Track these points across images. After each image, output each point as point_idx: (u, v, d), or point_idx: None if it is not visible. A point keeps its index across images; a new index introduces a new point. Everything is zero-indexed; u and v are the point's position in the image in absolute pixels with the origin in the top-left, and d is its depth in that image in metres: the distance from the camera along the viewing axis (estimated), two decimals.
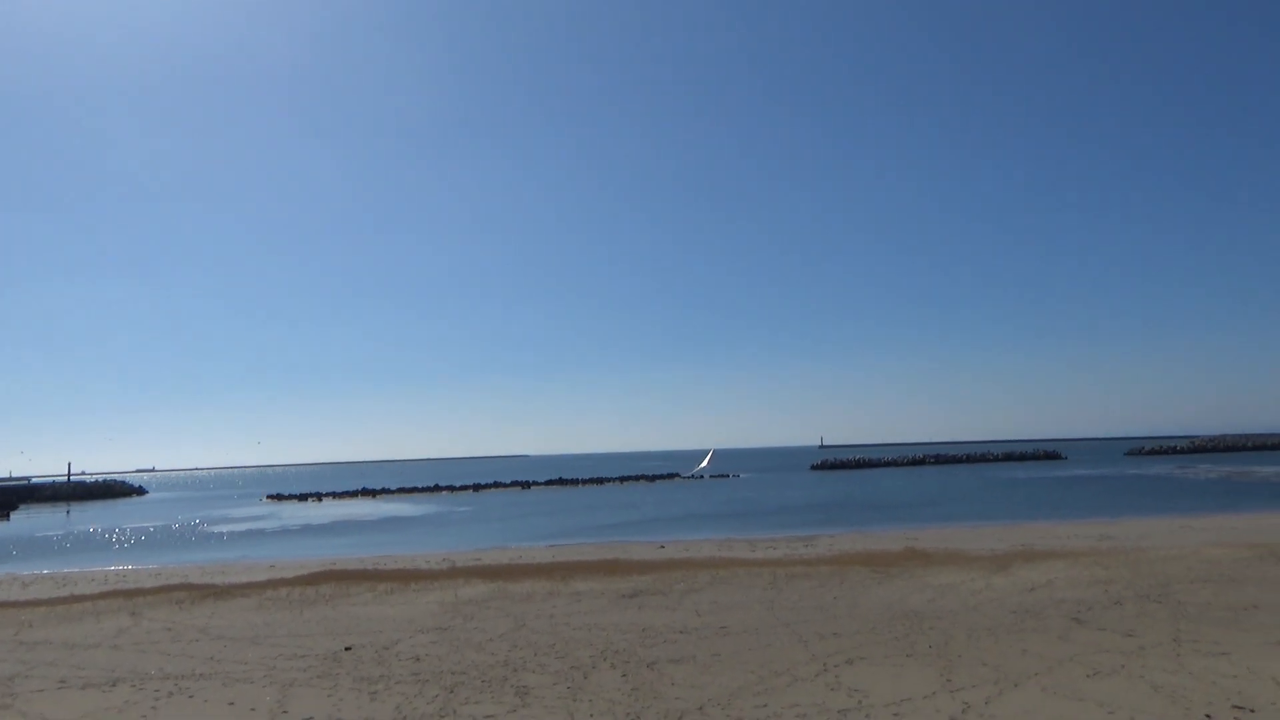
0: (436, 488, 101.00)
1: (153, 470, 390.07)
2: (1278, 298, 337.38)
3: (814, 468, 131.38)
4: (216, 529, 56.34)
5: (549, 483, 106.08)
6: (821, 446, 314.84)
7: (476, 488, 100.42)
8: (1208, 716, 9.74)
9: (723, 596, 19.31)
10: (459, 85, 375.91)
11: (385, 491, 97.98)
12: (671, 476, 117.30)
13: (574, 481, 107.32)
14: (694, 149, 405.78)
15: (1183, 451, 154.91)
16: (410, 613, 18.63)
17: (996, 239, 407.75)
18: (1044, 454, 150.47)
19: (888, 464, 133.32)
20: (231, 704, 11.60)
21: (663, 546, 32.65)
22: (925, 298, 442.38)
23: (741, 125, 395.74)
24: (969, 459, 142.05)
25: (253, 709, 11.31)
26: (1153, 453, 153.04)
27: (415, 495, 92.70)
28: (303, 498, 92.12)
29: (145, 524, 62.67)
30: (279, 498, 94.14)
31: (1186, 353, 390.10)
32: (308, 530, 53.24)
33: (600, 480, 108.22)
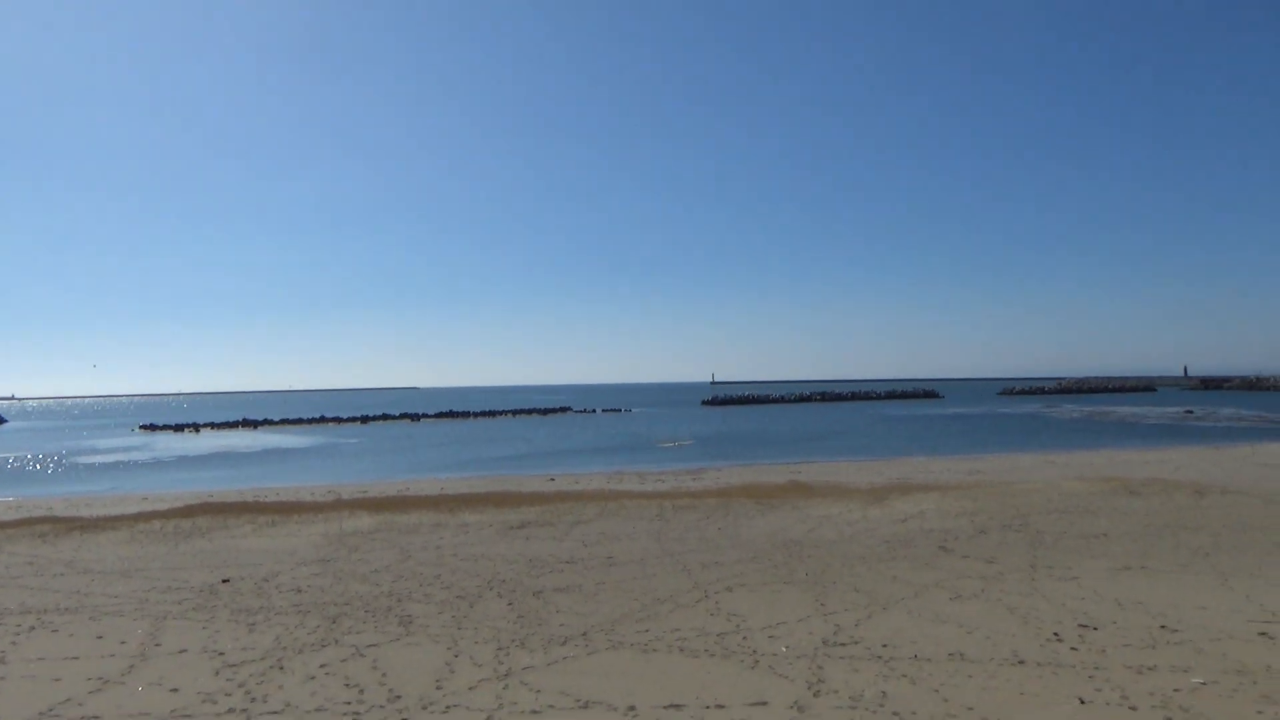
0: (322, 420, 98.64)
1: (11, 399, 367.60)
2: (1137, 254, 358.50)
3: (705, 404, 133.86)
4: (83, 460, 53.68)
5: (439, 415, 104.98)
6: (713, 383, 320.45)
7: (364, 420, 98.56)
8: (1055, 635, 10.46)
9: (611, 528, 19.57)
10: None
11: (267, 423, 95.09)
12: (564, 410, 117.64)
13: (465, 414, 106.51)
14: (583, 82, 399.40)
15: (1050, 392, 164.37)
16: (292, 545, 18.23)
17: (879, 187, 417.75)
18: (923, 393, 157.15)
19: (776, 401, 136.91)
20: (100, 638, 11.16)
21: (553, 479, 32.81)
22: (813, 241, 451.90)
23: (633, 61, 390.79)
24: (853, 397, 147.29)
25: (122, 642, 10.92)
26: (1023, 393, 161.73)
27: (300, 427, 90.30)
28: (179, 428, 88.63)
29: (1, 455, 59.20)
30: (153, 428, 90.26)
31: (1055, 301, 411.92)
32: (184, 462, 51.33)
33: (492, 414, 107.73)
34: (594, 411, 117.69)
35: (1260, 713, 7.61)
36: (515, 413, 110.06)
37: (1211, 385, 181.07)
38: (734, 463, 40.70)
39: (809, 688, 8.71)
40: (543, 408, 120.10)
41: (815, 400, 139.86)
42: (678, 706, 8.30)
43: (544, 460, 46.09)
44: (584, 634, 10.90)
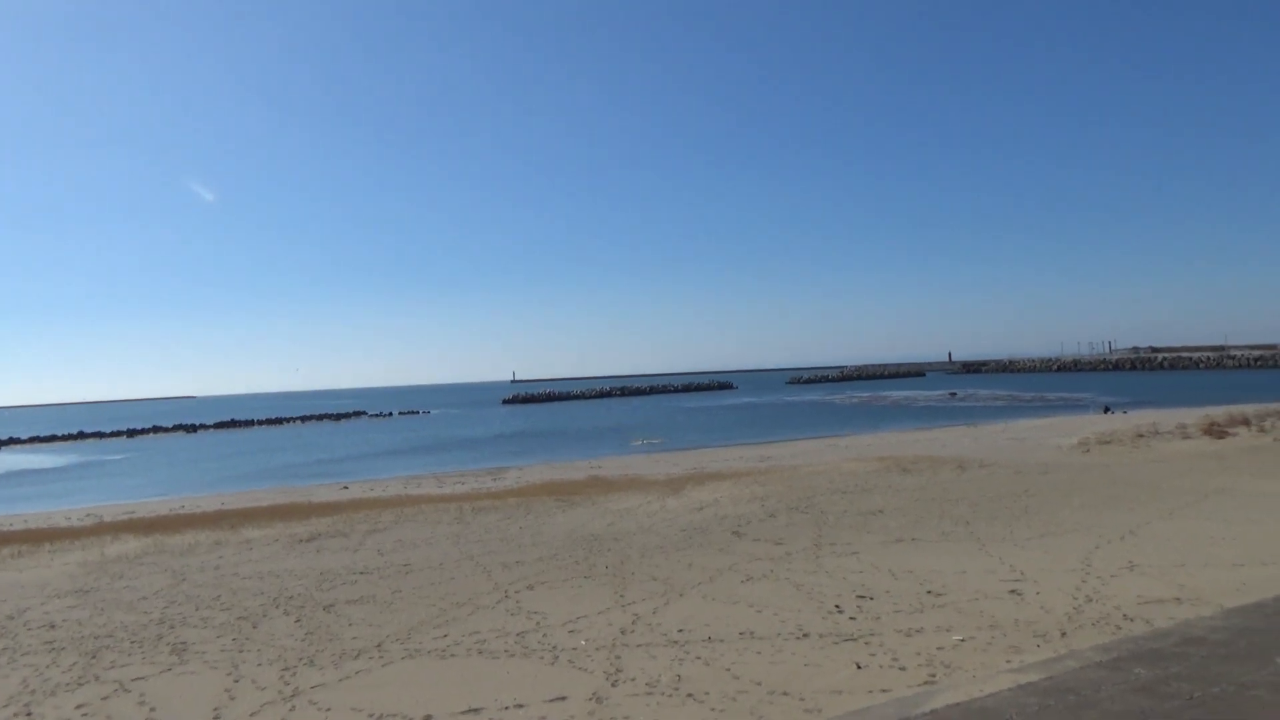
0: (81, 435, 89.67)
1: None
2: (907, 255, 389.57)
3: (506, 402, 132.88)
4: None
5: (219, 425, 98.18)
6: (514, 381, 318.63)
7: (131, 433, 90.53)
8: (837, 606, 11.11)
9: (408, 534, 18.98)
10: None
11: (14, 441, 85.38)
12: (357, 415, 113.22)
13: (248, 423, 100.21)
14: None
15: (834, 380, 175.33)
16: (43, 577, 16.41)
17: (670, 184, 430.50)
18: (718, 384, 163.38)
19: (577, 397, 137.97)
20: None
21: (346, 487, 31.46)
22: (608, 239, 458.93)
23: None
24: (652, 390, 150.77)
25: None
26: (809, 381, 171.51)
27: (54, 444, 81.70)
28: None
29: None
30: None
31: (838, 296, 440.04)
32: None
33: (279, 421, 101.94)
34: (390, 415, 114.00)
35: (1009, 661, 8.39)
36: (304, 419, 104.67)
37: (972, 369, 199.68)
38: (535, 461, 40.62)
39: (607, 678, 8.78)
40: (334, 413, 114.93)
41: (616, 395, 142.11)
42: (476, 710, 8.14)
43: (337, 468, 44.11)
44: (378, 645, 10.48)
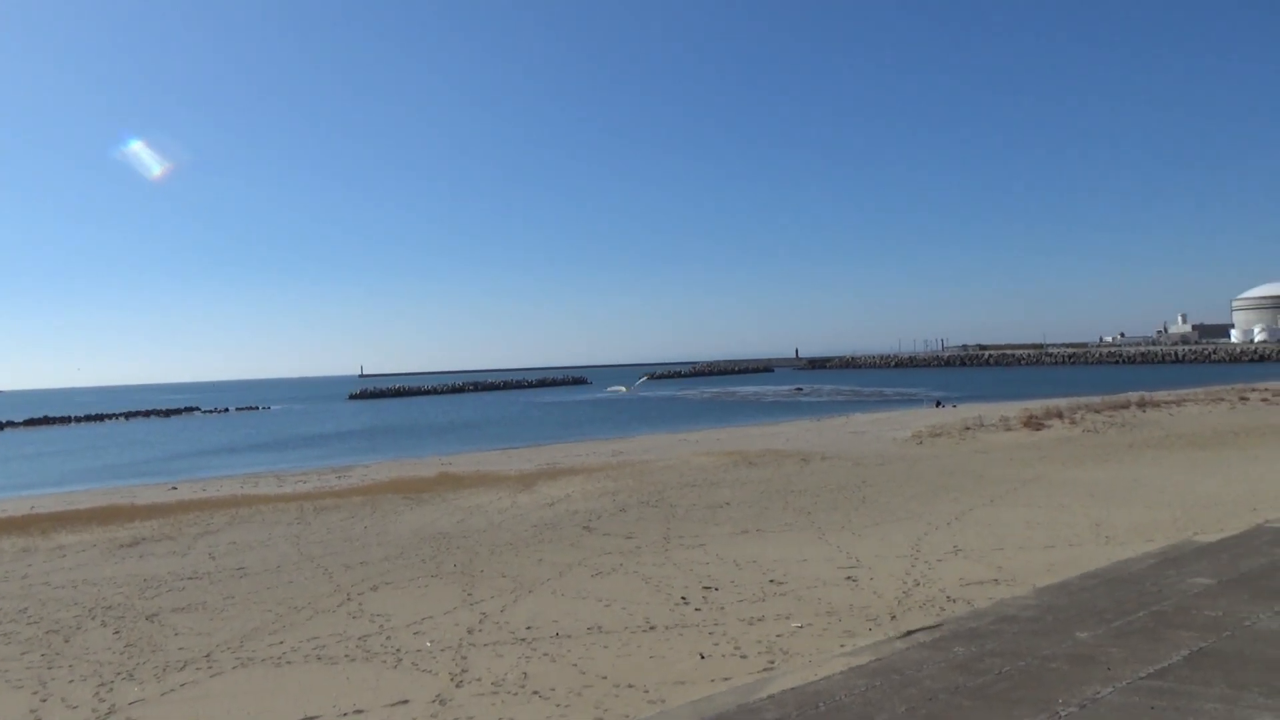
0: None
1: None
2: (754, 254, 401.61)
3: (353, 397, 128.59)
4: None
5: (30, 422, 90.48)
6: (361, 376, 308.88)
7: None
8: (683, 598, 11.31)
9: (243, 536, 18.05)
10: None
11: None
12: (190, 410, 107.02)
13: (65, 420, 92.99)
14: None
15: (686, 375, 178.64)
16: None
17: (516, 179, 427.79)
18: (573, 379, 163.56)
19: (428, 392, 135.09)
20: None
21: (175, 487, 29.63)
22: (457, 231, 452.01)
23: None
24: (506, 385, 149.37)
25: None
26: (663, 377, 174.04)
27: None
28: None
29: None
30: None
31: (691, 293, 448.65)
32: None
33: (100, 417, 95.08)
34: (226, 410, 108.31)
35: (842, 645, 8.77)
36: (129, 415, 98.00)
37: (818, 365, 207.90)
38: (383, 458, 39.47)
39: (452, 679, 8.62)
40: (164, 408, 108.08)
41: (469, 390, 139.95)
42: (312, 719, 7.82)
43: (165, 467, 41.49)
44: (207, 655, 9.92)
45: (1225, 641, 4.81)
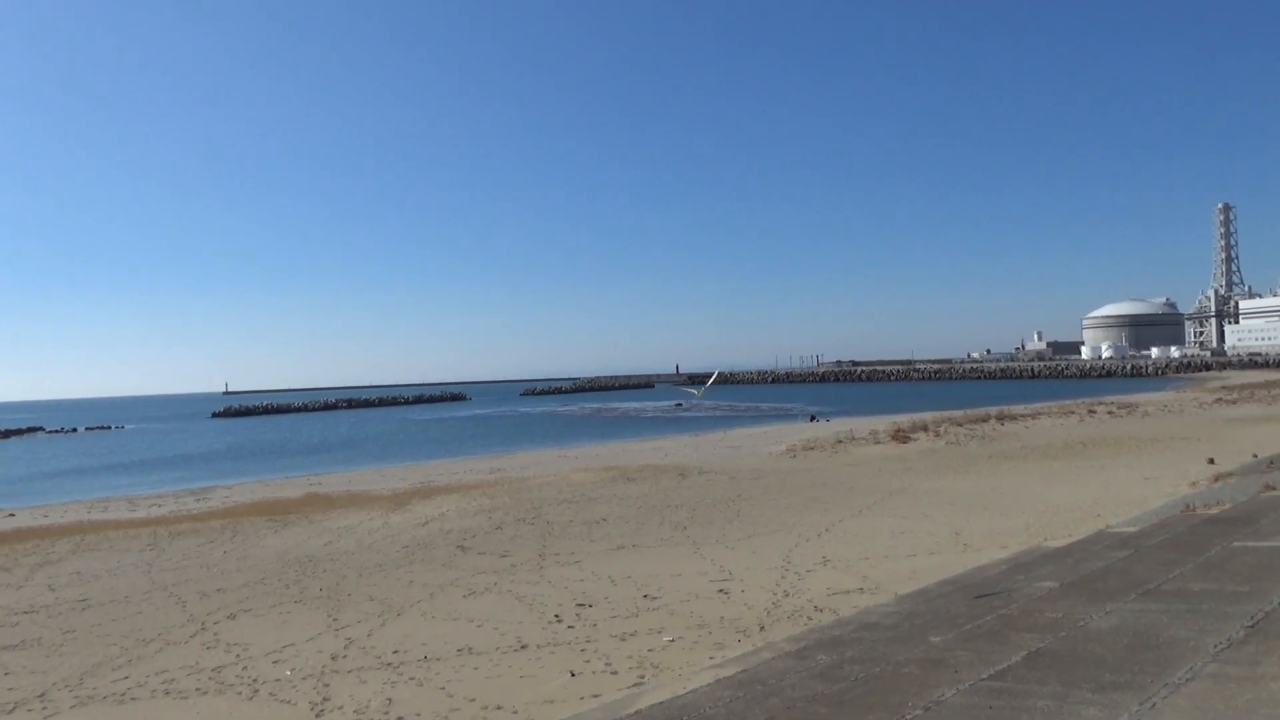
0: None
1: None
2: (641, 265, 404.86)
3: (216, 415, 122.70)
4: None
5: None
6: (226, 393, 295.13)
7: None
8: (556, 616, 11.20)
9: (88, 565, 16.89)
10: None
11: None
12: (33, 431, 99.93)
13: None
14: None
15: (567, 391, 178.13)
16: None
17: (393, 190, 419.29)
18: (451, 395, 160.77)
19: (299, 409, 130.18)
20: None
21: (12, 514, 27.52)
22: (332, 242, 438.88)
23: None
24: (381, 402, 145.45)
25: None
26: (544, 393, 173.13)
27: None
28: None
29: None
30: None
31: (570, 308, 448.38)
32: None
33: None
34: (74, 430, 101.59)
35: (712, 657, 8.83)
36: None
37: (697, 380, 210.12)
38: (247, 479, 37.70)
39: (313, 709, 8.26)
40: (2, 429, 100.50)
41: (342, 407, 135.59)
42: None
43: (2, 492, 38.50)
44: (41, 695, 9.20)
45: (1061, 642, 5.07)
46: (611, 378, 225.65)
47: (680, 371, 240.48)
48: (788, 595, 11.71)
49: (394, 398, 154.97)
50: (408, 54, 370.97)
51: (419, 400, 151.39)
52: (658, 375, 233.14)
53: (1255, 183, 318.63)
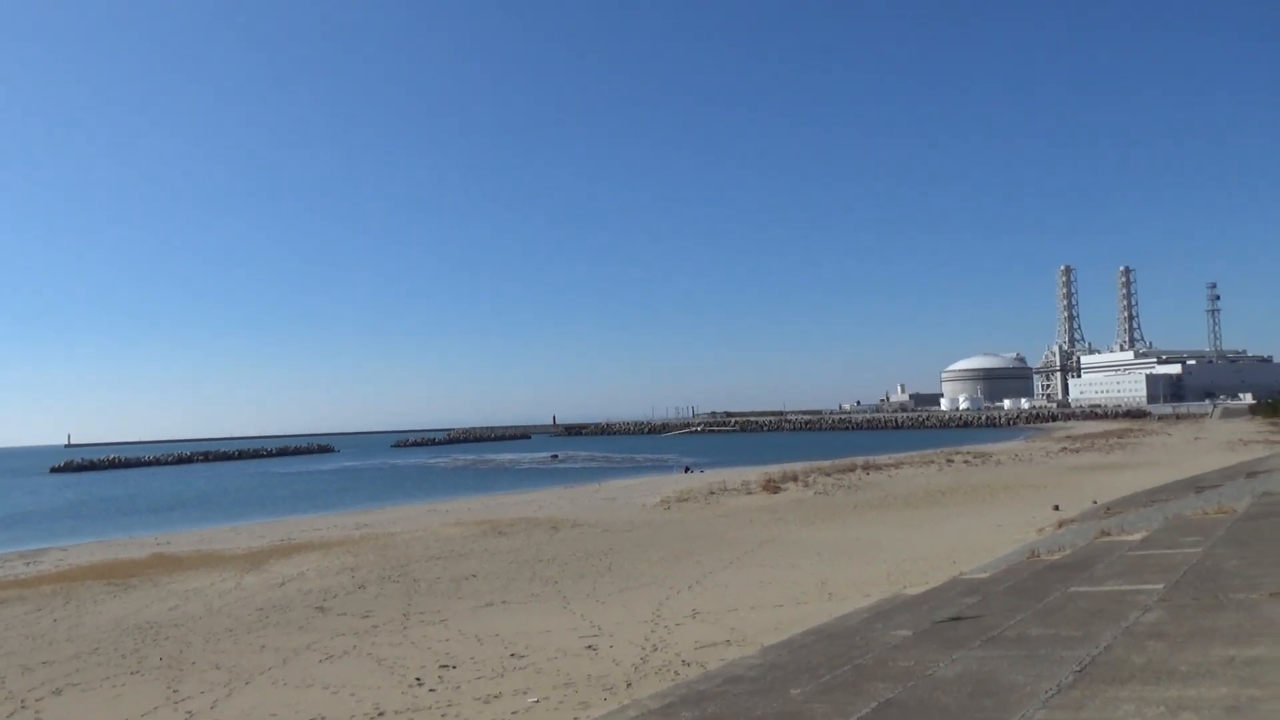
0: None
1: None
2: (519, 315, 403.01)
3: (55, 470, 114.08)
4: None
5: None
6: (68, 445, 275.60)
7: None
8: (418, 679, 10.77)
9: None
10: None
11: None
12: None
13: None
14: None
15: (440, 442, 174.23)
16: None
17: (250, 229, 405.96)
18: (317, 448, 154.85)
19: (150, 463, 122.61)
20: None
21: None
22: (188, 288, 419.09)
23: None
24: (241, 455, 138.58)
25: None
26: (415, 444, 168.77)
27: None
28: None
29: None
30: None
31: (447, 356, 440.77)
32: None
33: None
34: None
35: (577, 717, 8.66)
36: None
37: (574, 431, 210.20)
38: (87, 539, 35.05)
39: None
40: None
41: (198, 460, 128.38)
42: None
43: None
44: None
45: (909, 691, 5.19)
46: (487, 429, 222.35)
47: (557, 422, 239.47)
48: (656, 650, 11.63)
49: (255, 450, 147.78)
50: (259, 92, 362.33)
51: (282, 452, 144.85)
52: (534, 426, 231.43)
53: (1093, 248, 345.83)
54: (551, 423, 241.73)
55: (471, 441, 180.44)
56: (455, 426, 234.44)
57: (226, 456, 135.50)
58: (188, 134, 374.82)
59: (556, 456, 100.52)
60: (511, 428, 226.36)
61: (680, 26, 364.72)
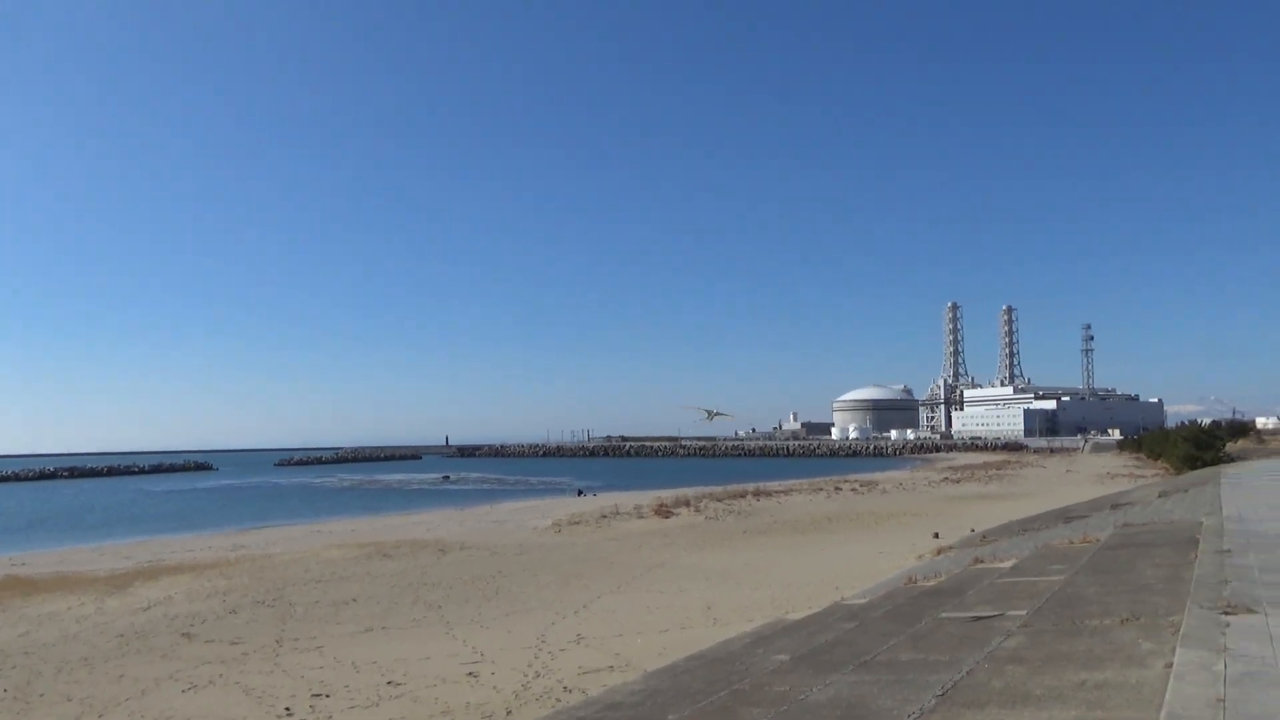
0: None
1: None
2: (411, 335, 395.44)
3: None
4: None
5: None
6: None
7: None
8: (287, 710, 10.32)
9: None
10: None
11: None
12: None
13: None
14: None
15: (327, 462, 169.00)
16: None
17: (130, 237, 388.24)
18: (194, 465, 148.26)
19: (8, 479, 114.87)
20: None
21: None
22: (57, 291, 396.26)
23: None
24: (111, 471, 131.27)
25: None
26: (301, 463, 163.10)
27: None
28: None
29: None
30: None
31: (335, 374, 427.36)
32: None
33: None
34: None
35: None
36: None
37: (467, 453, 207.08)
38: None
39: None
40: None
41: (62, 477, 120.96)
42: None
43: None
44: None
45: (781, 716, 5.24)
46: (377, 449, 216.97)
47: (450, 444, 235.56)
48: (539, 676, 11.46)
49: (127, 466, 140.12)
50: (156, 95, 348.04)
51: (157, 470, 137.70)
52: (426, 447, 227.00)
53: (979, 286, 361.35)
54: (444, 444, 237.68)
55: (360, 461, 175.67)
56: (344, 446, 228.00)
57: (94, 473, 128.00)
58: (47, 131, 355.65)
59: (448, 478, 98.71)
60: (403, 448, 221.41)
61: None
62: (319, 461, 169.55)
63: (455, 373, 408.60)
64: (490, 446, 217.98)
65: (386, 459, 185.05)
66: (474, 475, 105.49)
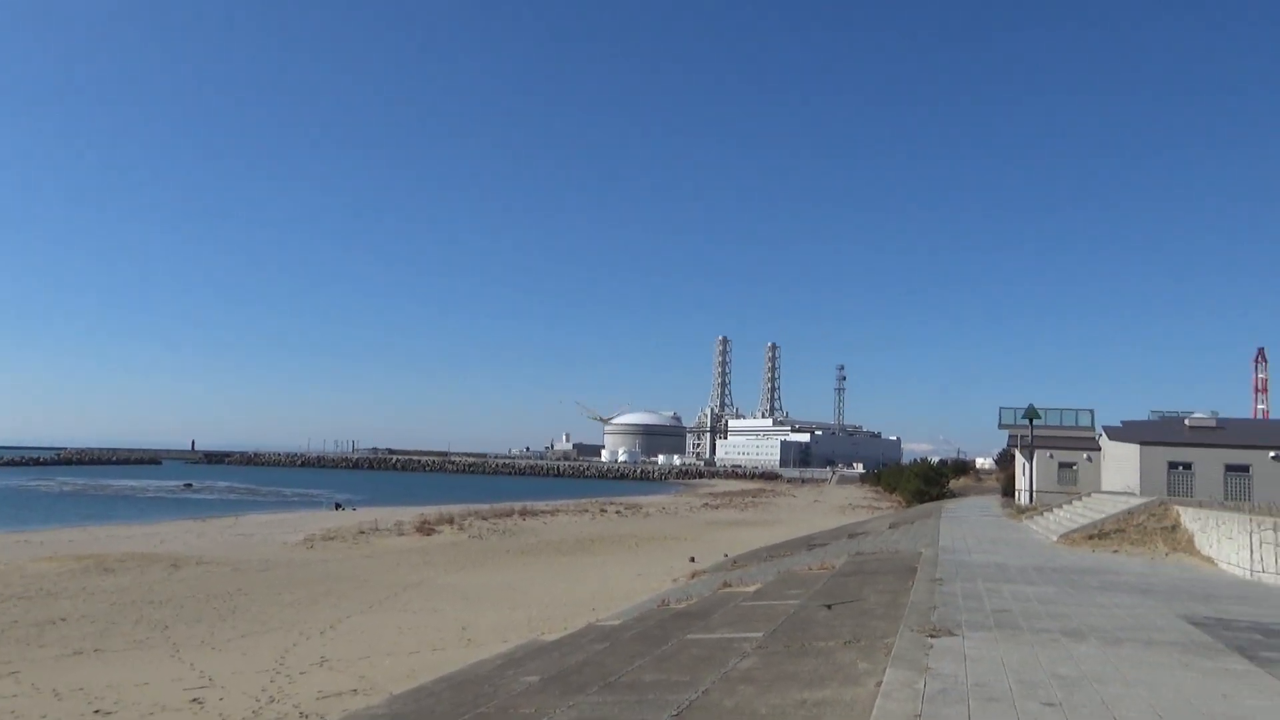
0: None
1: None
2: (155, 328, 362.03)
3: None
4: None
5: None
6: None
7: None
8: None
9: None
10: None
11: None
12: None
13: None
14: None
15: (48, 463, 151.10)
16: None
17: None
18: None
19: None
20: None
21: None
22: None
23: None
24: None
25: None
26: (14, 463, 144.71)
27: None
28: None
29: None
30: None
31: (62, 367, 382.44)
32: None
33: None
34: None
35: None
36: None
37: (215, 460, 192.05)
38: None
39: None
40: None
41: None
42: None
43: None
44: None
45: None
46: (110, 451, 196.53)
47: (196, 448, 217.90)
48: (273, 701, 10.75)
49: None
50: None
51: None
52: (169, 451, 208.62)
53: (748, 322, 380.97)
54: (190, 449, 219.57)
55: (88, 464, 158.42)
56: (69, 446, 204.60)
57: None
58: None
59: (190, 485, 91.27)
60: (140, 451, 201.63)
61: None
62: (37, 462, 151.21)
63: (206, 372, 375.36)
64: (242, 454, 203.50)
65: (120, 462, 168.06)
66: (222, 484, 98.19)
